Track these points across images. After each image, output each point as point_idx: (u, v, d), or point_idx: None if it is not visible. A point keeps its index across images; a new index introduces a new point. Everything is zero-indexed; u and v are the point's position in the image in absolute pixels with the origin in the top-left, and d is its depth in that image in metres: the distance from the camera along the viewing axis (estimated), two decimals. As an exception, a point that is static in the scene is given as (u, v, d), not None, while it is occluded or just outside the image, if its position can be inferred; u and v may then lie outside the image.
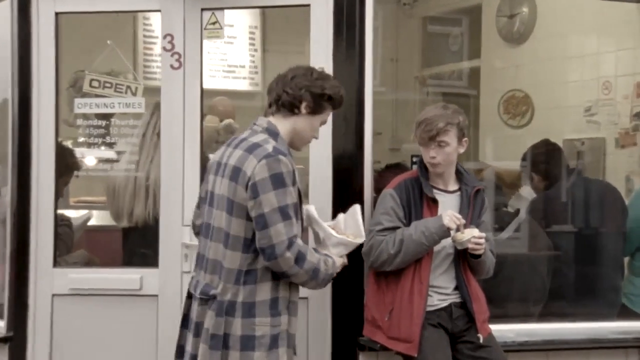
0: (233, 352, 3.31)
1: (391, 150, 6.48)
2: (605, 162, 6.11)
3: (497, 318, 4.18)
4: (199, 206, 3.67)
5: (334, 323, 4.29)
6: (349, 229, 3.59)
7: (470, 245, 3.87)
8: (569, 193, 4.91)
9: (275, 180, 3.28)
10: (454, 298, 4.01)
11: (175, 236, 4.36)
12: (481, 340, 3.91)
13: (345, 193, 4.27)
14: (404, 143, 6.10)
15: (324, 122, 3.57)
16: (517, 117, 6.45)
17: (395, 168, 4.94)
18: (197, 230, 3.66)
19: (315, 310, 4.30)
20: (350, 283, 4.23)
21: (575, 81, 6.33)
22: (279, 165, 3.30)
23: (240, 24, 6.41)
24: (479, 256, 3.93)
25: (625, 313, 4.82)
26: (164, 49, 4.40)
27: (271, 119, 3.50)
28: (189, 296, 3.54)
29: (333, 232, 3.54)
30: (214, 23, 4.44)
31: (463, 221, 3.86)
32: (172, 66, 4.41)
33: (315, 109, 3.51)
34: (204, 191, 3.60)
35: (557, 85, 6.42)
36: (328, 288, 4.20)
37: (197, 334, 3.40)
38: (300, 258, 3.33)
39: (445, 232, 3.84)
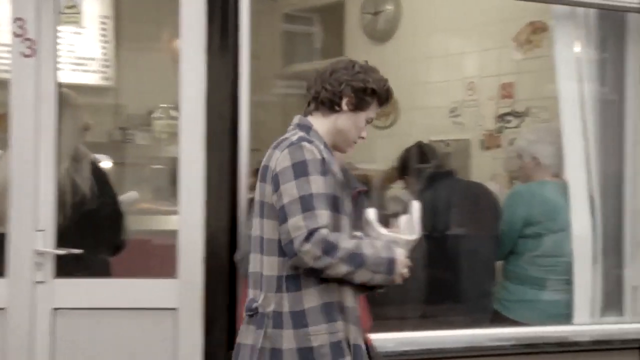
0: None
1: (252, 151, 6.22)
2: (470, 164, 6.08)
3: (376, 327, 3.98)
4: None
5: (206, 335, 4.00)
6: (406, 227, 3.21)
7: None
8: (443, 195, 4.79)
9: (298, 169, 2.96)
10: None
11: (27, 242, 3.97)
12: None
13: (218, 194, 4.00)
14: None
15: (370, 120, 3.23)
16: (382, 118, 6.34)
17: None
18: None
19: (184, 321, 4.01)
20: (223, 291, 3.98)
21: (439, 81, 6.29)
22: (302, 152, 2.99)
23: (90, 13, 6.00)
24: None
25: (498, 319, 4.75)
26: (15, 34, 3.99)
27: (309, 117, 3.20)
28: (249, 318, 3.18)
29: (383, 231, 3.17)
30: (71, 7, 4.07)
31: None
32: (23, 54, 4.00)
33: (359, 105, 3.18)
34: None
35: (422, 85, 6.35)
36: (198, 294, 3.97)
37: (236, 357, 3.13)
38: (329, 247, 2.92)
39: None
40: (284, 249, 2.97)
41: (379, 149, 5.92)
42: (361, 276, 3.01)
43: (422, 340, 4.43)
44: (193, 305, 4.01)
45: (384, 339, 4.22)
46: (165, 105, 5.92)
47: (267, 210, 3.06)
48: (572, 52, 4.98)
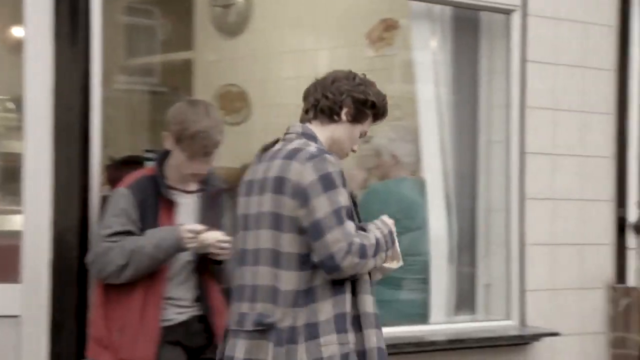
0: None
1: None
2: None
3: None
4: None
5: (52, 344, 3.75)
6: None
7: (212, 250, 3.55)
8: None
9: (325, 182, 2.95)
10: (194, 311, 3.68)
11: None
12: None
13: (67, 192, 3.76)
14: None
15: (364, 134, 3.21)
16: (233, 114, 6.20)
17: (133, 163, 4.50)
18: None
19: (28, 329, 3.75)
20: (72, 295, 3.74)
21: (292, 78, 6.19)
22: (326, 165, 2.97)
23: None
24: (221, 262, 3.61)
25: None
26: None
27: (308, 125, 3.14)
28: (229, 334, 3.13)
29: None
30: None
31: (201, 227, 3.58)
32: None
33: (356, 117, 3.15)
34: None
35: (274, 81, 6.25)
36: (44, 300, 3.75)
37: None
38: (362, 251, 2.97)
39: (183, 246, 3.55)
40: (322, 265, 2.95)
41: (229, 147, 5.76)
42: (380, 260, 3.10)
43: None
44: (38, 311, 3.76)
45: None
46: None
47: (287, 223, 2.99)
48: (429, 51, 5.00)
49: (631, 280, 5.48)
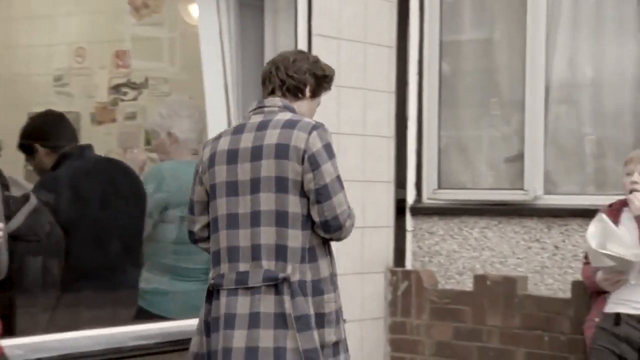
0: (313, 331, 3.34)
1: None
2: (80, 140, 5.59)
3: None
4: (191, 212, 3.59)
5: None
6: None
7: None
8: (79, 175, 4.29)
9: (328, 150, 3.40)
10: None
11: None
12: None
13: None
14: None
15: (318, 105, 3.65)
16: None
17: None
18: (199, 237, 3.61)
19: None
20: None
21: (42, 45, 5.72)
22: (327, 135, 3.43)
23: None
24: None
25: (143, 316, 4.39)
26: None
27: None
28: (222, 293, 3.43)
29: None
30: None
31: None
32: None
33: (316, 92, 3.59)
34: (202, 191, 3.53)
35: (21, 49, 5.74)
36: None
37: (255, 325, 3.33)
38: (354, 216, 3.52)
39: None
40: (327, 223, 3.39)
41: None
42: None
43: (56, 345, 3.94)
44: None
45: (11, 345, 3.64)
46: None
47: (292, 186, 3.35)
48: (213, 24, 4.72)
49: (410, 264, 5.53)
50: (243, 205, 3.38)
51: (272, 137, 3.36)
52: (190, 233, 3.63)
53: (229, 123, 4.71)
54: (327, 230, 3.39)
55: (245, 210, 3.38)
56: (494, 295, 5.03)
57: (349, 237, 5.05)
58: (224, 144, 3.45)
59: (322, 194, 3.35)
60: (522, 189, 5.48)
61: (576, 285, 4.77)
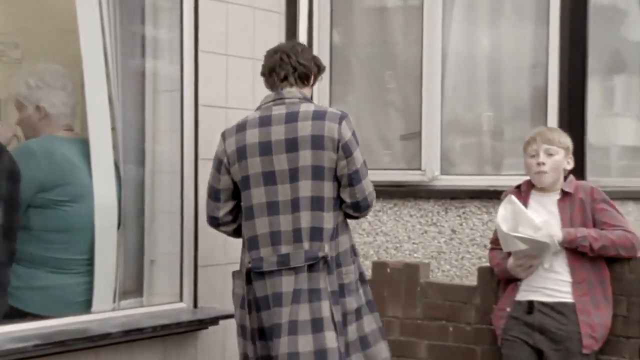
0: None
1: None
2: None
3: None
4: (216, 199, 4.04)
5: None
6: None
7: None
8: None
9: (356, 138, 3.92)
10: None
11: None
12: None
13: None
14: None
15: None
16: None
17: None
18: (223, 221, 4.08)
19: None
20: None
21: None
22: (352, 123, 3.93)
23: None
24: None
25: (15, 314, 4.02)
26: None
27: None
28: (267, 273, 3.88)
29: None
30: None
31: None
32: None
33: (314, 81, 4.07)
34: (229, 180, 3.99)
35: None
36: None
37: (297, 301, 3.82)
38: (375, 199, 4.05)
39: None
40: (358, 204, 3.93)
41: None
42: None
43: None
44: None
45: None
46: None
47: (328, 173, 3.86)
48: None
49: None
50: (283, 193, 3.83)
51: (305, 129, 3.81)
52: (214, 218, 4.08)
53: (110, 96, 4.36)
54: (357, 210, 3.92)
55: (286, 198, 3.83)
56: (395, 284, 4.90)
57: None
58: (252, 137, 3.88)
59: (354, 178, 3.85)
60: (419, 169, 5.39)
61: (482, 271, 4.69)
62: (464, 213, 5.30)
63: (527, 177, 4.46)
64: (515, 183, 4.52)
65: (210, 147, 4.71)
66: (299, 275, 3.82)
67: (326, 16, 5.49)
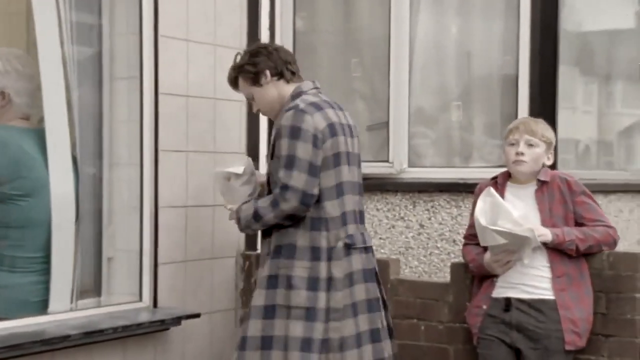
0: None
1: None
2: None
3: None
4: (315, 175, 3.97)
5: None
6: None
7: None
8: None
9: None
10: None
11: None
12: None
13: None
14: None
15: None
16: None
17: None
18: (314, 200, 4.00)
19: None
20: None
21: None
22: None
23: None
24: None
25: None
26: None
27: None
28: (365, 250, 4.15)
29: None
30: None
31: None
32: None
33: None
34: (323, 155, 4.00)
35: None
36: None
37: (371, 279, 4.16)
38: None
39: None
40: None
41: None
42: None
43: None
44: None
45: None
46: None
47: (359, 160, 4.23)
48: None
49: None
50: (356, 175, 4.15)
51: (347, 117, 4.15)
52: (312, 196, 3.94)
53: (67, 85, 4.23)
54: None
55: (357, 180, 4.15)
56: (364, 281, 4.82)
57: (197, 217, 4.83)
58: (333, 116, 4.05)
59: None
60: (387, 161, 5.33)
61: (455, 268, 4.63)
62: (432, 207, 5.25)
63: (500, 169, 4.42)
64: (485, 175, 4.49)
65: (170, 137, 4.62)
66: (361, 256, 4.08)
67: (289, 1, 5.39)
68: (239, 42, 5.06)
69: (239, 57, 4.23)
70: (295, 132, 3.90)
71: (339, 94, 5.45)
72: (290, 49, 5.34)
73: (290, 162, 3.89)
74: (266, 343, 3.92)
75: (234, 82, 4.24)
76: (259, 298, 3.97)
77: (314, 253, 3.95)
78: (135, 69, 4.54)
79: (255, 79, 4.13)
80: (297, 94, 4.07)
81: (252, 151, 5.15)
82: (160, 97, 4.59)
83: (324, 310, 3.93)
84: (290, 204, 3.90)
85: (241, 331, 4.03)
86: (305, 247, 3.95)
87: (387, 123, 5.32)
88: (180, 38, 4.72)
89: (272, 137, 4.01)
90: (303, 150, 3.90)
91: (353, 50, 5.48)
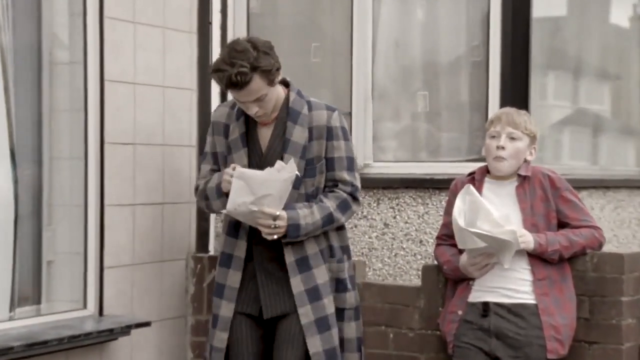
0: None
1: None
2: None
3: None
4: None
5: None
6: None
7: None
8: None
9: None
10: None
11: None
12: None
13: None
14: None
15: None
16: None
17: None
18: None
19: None
20: None
21: None
22: None
23: None
24: None
25: None
26: None
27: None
28: None
29: None
30: None
31: None
32: None
33: None
34: None
35: None
36: None
37: None
38: None
39: None
40: None
41: None
42: None
43: None
44: None
45: None
46: None
47: None
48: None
49: (214, 248, 5.12)
50: None
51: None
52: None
53: (4, 71, 4.09)
54: None
55: None
56: (327, 285, 4.72)
57: (145, 217, 4.70)
58: None
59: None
60: (350, 155, 5.22)
61: (427, 270, 4.54)
62: (397, 204, 5.16)
63: (469, 164, 4.36)
64: (454, 170, 4.43)
65: (118, 128, 4.49)
66: None
67: (241, -21, 5.27)
68: (189, 25, 4.95)
69: (237, 53, 3.84)
70: (347, 133, 4.12)
71: (297, 83, 5.34)
72: (244, 32, 5.23)
73: (352, 164, 4.14)
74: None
75: (245, 82, 3.84)
76: (329, 305, 4.12)
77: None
78: (79, 53, 4.43)
79: (272, 78, 3.94)
80: (299, 92, 4.15)
81: (203, 144, 5.01)
82: (106, 84, 4.46)
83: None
84: (359, 204, 4.23)
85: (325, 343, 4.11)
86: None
87: (350, 114, 5.21)
88: (127, 20, 4.60)
89: (306, 137, 4.03)
90: (354, 151, 4.18)
91: (313, 34, 5.38)
